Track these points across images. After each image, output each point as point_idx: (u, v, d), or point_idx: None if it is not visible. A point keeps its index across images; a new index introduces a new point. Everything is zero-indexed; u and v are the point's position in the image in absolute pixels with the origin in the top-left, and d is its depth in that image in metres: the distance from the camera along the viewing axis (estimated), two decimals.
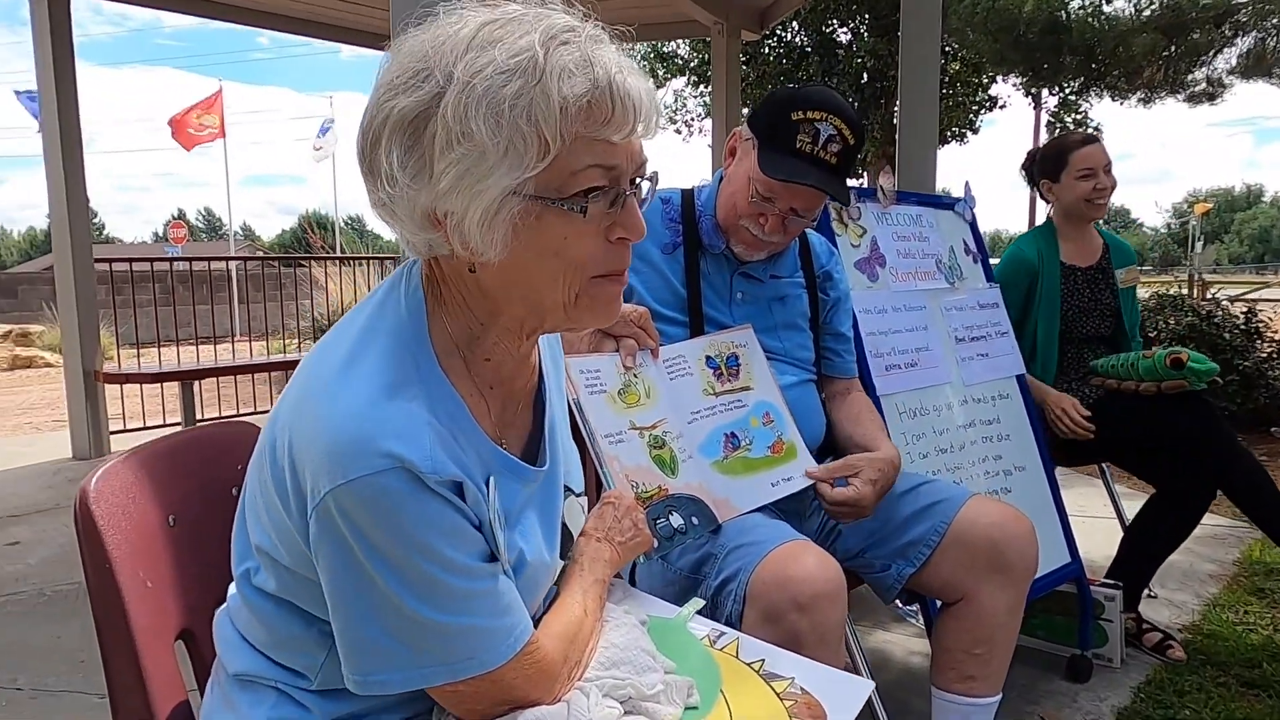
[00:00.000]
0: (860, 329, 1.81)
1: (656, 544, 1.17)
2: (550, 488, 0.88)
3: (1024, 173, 2.60)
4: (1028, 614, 2.18)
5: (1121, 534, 2.62)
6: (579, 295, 0.77)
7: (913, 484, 1.54)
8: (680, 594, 1.31)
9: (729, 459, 1.38)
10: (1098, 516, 3.23)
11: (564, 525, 0.91)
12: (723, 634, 1.02)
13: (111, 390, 5.00)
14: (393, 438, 0.69)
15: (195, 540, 0.96)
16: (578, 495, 0.95)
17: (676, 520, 1.23)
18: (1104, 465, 2.77)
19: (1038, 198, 2.59)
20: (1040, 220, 2.68)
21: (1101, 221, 2.59)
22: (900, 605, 2.31)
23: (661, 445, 1.29)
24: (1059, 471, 2.27)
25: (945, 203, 2.23)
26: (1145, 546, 2.24)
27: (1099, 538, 3.00)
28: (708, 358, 1.45)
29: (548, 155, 0.69)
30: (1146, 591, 2.38)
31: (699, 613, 1.06)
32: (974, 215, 2.26)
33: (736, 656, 0.97)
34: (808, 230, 1.69)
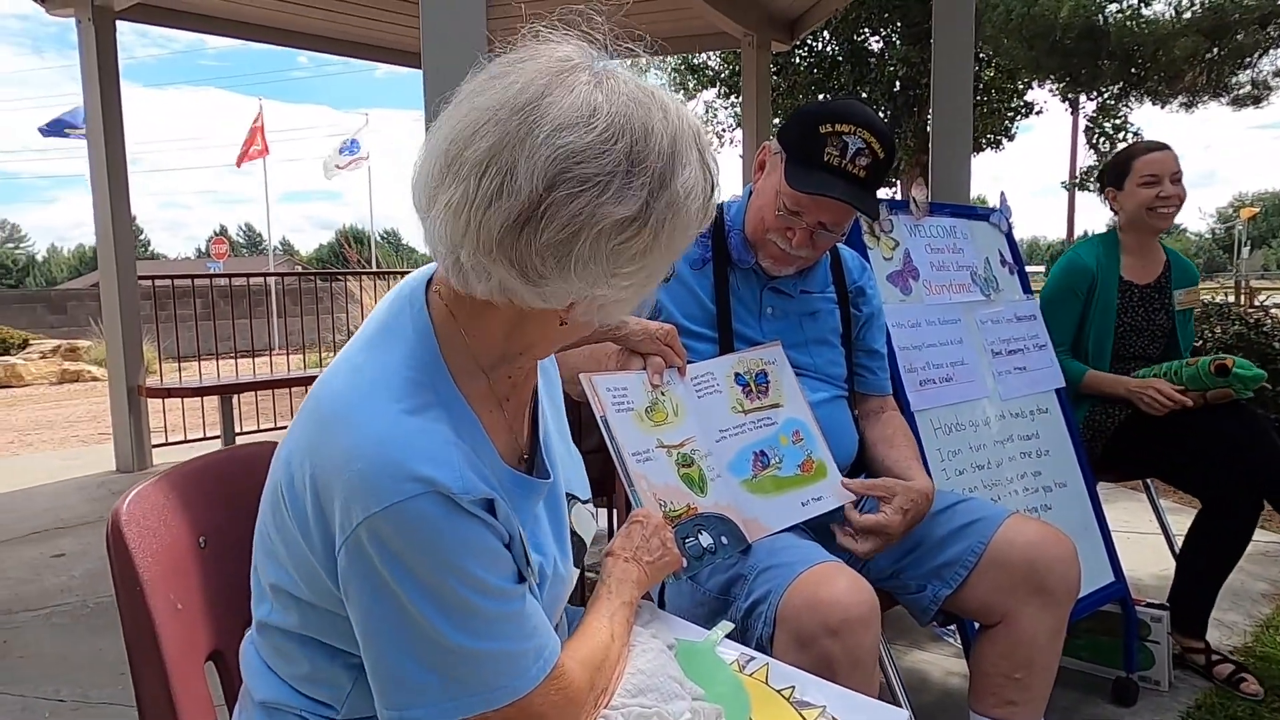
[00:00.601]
0: (893, 343, 1.78)
1: (686, 564, 1.16)
2: (555, 498, 0.88)
3: (1097, 182, 2.52)
4: (1071, 634, 2.12)
5: (1169, 551, 2.55)
6: None
7: (949, 502, 1.51)
8: (710, 615, 1.29)
9: (758, 478, 1.37)
10: (1144, 533, 3.14)
11: (573, 533, 0.91)
12: (752, 659, 1.00)
13: (154, 404, 5.10)
14: (422, 461, 0.69)
15: (226, 561, 0.96)
16: (584, 502, 0.95)
17: (706, 539, 1.22)
18: (1148, 480, 2.69)
19: (1075, 205, 2.53)
20: (1081, 231, 2.61)
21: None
22: (937, 627, 2.26)
23: (690, 463, 1.27)
24: (1101, 486, 2.21)
25: (980, 214, 2.19)
26: (1200, 567, 2.14)
27: (1146, 556, 2.92)
28: (736, 375, 1.44)
29: None
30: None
31: (728, 636, 1.04)
32: (1010, 226, 2.22)
33: (766, 683, 0.95)
34: (839, 245, 1.67)
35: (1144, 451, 2.24)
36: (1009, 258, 2.19)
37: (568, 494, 0.92)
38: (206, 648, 0.92)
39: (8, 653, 2.46)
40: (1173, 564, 2.25)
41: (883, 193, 1.61)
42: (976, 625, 1.51)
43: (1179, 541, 2.23)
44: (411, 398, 0.73)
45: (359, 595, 0.71)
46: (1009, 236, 2.22)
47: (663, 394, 1.31)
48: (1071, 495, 2.05)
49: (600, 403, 1.21)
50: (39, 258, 75.39)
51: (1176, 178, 2.29)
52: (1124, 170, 2.34)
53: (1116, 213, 2.40)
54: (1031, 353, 2.11)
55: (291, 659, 0.81)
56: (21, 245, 75.86)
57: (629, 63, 0.74)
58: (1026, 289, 2.20)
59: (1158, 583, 2.69)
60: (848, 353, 1.63)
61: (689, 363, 1.40)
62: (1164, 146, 2.33)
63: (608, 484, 1.68)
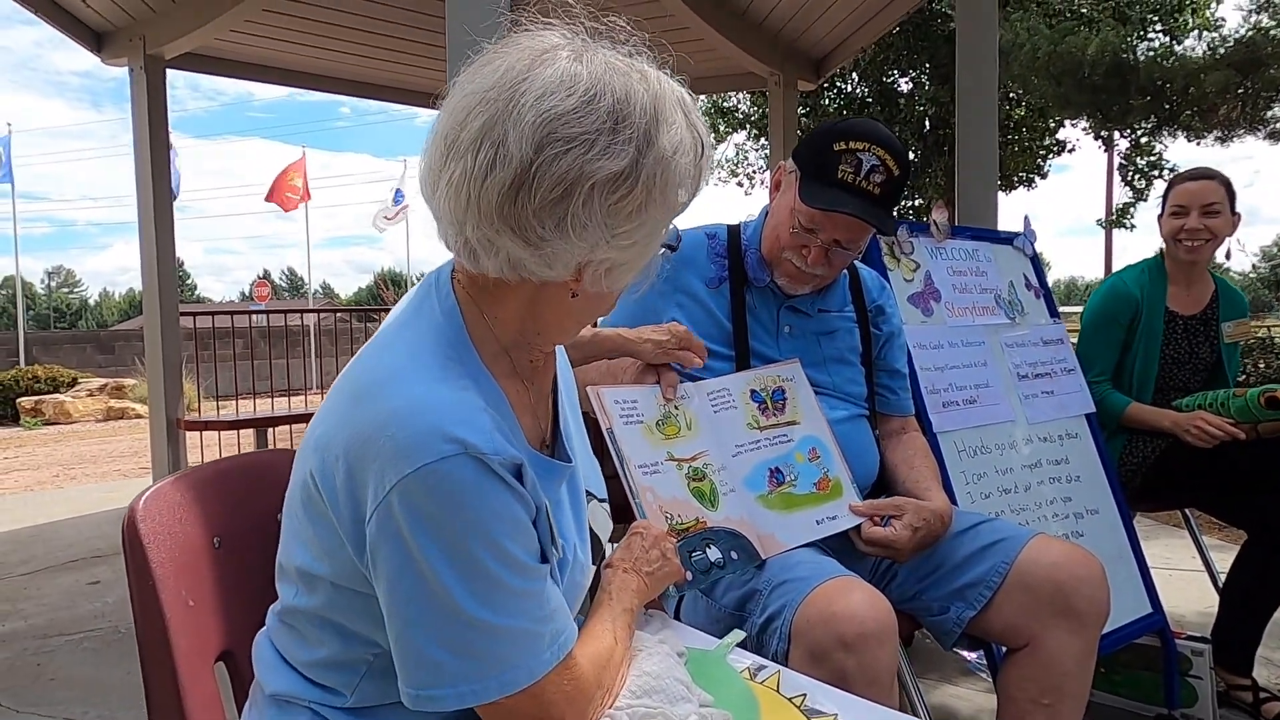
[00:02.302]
0: (914, 364, 1.77)
1: (690, 576, 1.15)
2: (575, 487, 0.90)
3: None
4: (1109, 669, 2.06)
5: (1212, 586, 2.45)
6: None
7: (972, 522, 1.48)
8: (725, 632, 1.26)
9: (773, 494, 1.35)
10: (1185, 569, 3.04)
11: (591, 530, 0.91)
12: (764, 667, 0.98)
13: (193, 438, 5.20)
14: (455, 423, 0.71)
15: (239, 563, 0.98)
16: (601, 501, 0.95)
17: (714, 554, 1.20)
18: (1188, 512, 2.60)
19: (1112, 244, 2.49)
20: (1118, 266, 2.56)
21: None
22: (963, 653, 2.19)
23: (701, 477, 1.27)
24: (1140, 523, 2.14)
25: (1003, 237, 2.18)
26: (1246, 599, 2.05)
27: (1188, 592, 2.82)
28: (752, 391, 1.44)
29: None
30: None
31: (740, 645, 1.02)
32: (1034, 250, 2.20)
33: (778, 690, 0.94)
34: (858, 264, 1.67)
35: (1185, 481, 2.17)
36: (1034, 281, 2.17)
37: (585, 491, 0.93)
38: (217, 647, 0.93)
39: (40, 675, 2.50)
40: (1217, 600, 2.17)
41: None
42: (1002, 649, 1.46)
43: (1224, 579, 2.14)
44: (441, 370, 0.76)
45: (385, 566, 0.72)
46: (1034, 260, 2.20)
47: (676, 408, 1.31)
48: (1104, 522, 2.00)
49: (607, 414, 1.21)
50: (91, 301, 77.98)
51: (1211, 210, 2.20)
52: (1165, 196, 2.30)
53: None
54: (1059, 377, 2.07)
55: (310, 642, 0.82)
56: (75, 290, 78.62)
57: (609, 45, 0.78)
58: (1053, 313, 2.17)
59: (1201, 619, 2.59)
60: (868, 372, 1.62)
61: (703, 379, 1.41)
62: (1209, 175, 2.25)
63: (630, 513, 1.66)
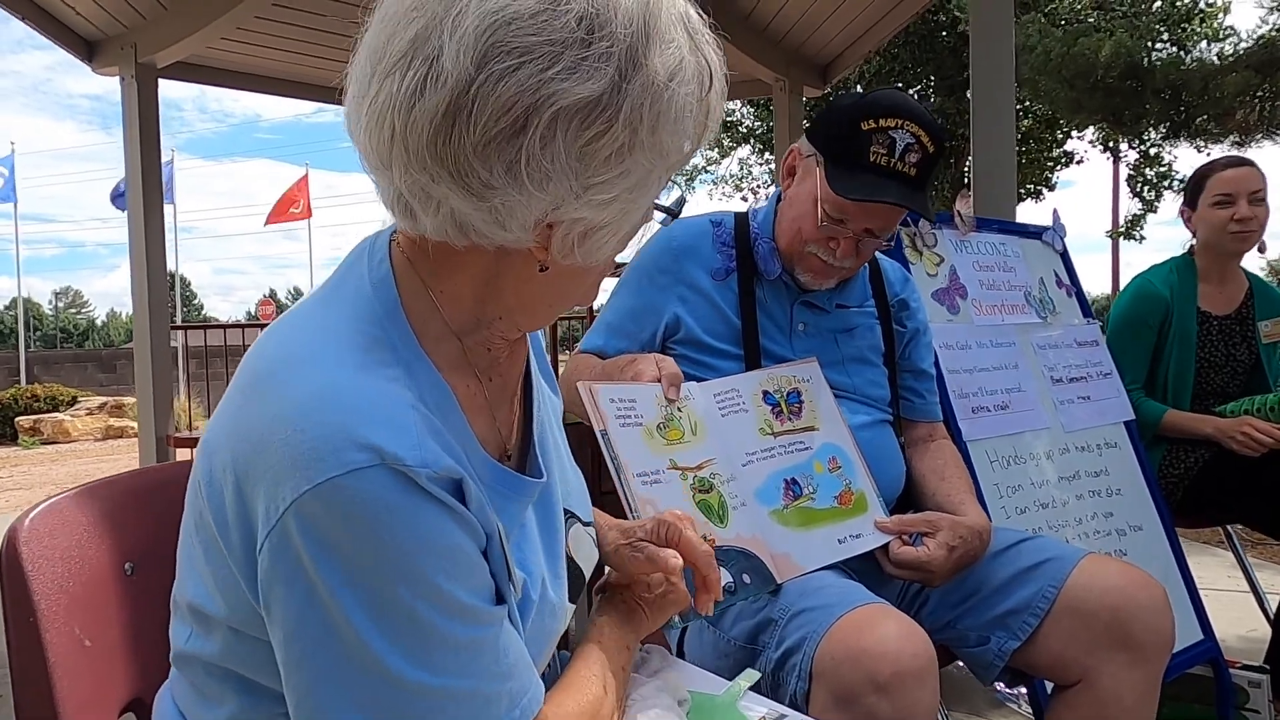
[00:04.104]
0: (941, 366, 1.61)
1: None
2: (548, 508, 0.72)
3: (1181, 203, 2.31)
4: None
5: (1258, 608, 2.28)
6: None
7: (1013, 540, 1.31)
8: (735, 668, 1.10)
9: (789, 509, 1.19)
10: (1225, 590, 2.85)
11: (571, 560, 0.74)
12: (783, 717, 0.82)
13: (185, 455, 5.07)
14: (370, 425, 0.54)
15: (157, 592, 0.82)
16: (585, 525, 0.79)
17: (724, 577, 1.04)
18: (1230, 529, 2.43)
19: (1119, 257, 2.34)
20: (1125, 280, 2.41)
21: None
22: (1003, 688, 2.01)
23: (709, 489, 1.11)
24: None
25: (1031, 231, 2.03)
26: None
27: (1230, 614, 2.63)
28: (765, 393, 1.28)
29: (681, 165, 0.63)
30: None
31: (754, 688, 0.86)
32: (1065, 245, 2.04)
33: None
34: (879, 254, 1.52)
35: (1231, 495, 2.00)
36: (1065, 279, 2.01)
37: (566, 510, 0.76)
38: (123, 695, 0.77)
39: (3, 704, 2.34)
40: (1263, 623, 2.00)
41: None
42: (1050, 686, 1.29)
43: (1270, 601, 1.97)
44: (364, 353, 0.59)
45: (282, 607, 0.56)
46: (1064, 256, 2.04)
47: (679, 410, 1.15)
48: (1149, 540, 1.83)
49: (601, 415, 1.05)
50: (99, 322, 78.33)
51: (1257, 197, 2.07)
52: (1199, 187, 2.14)
53: (1193, 234, 2.20)
54: (1096, 381, 1.91)
55: (211, 700, 0.65)
56: (83, 310, 79.02)
57: None
58: (1087, 312, 2.01)
59: (1247, 645, 2.41)
60: (891, 373, 1.46)
61: (708, 380, 1.25)
62: (1246, 163, 2.12)
63: None
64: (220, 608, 0.61)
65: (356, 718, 0.55)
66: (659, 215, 0.68)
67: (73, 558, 0.75)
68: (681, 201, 0.71)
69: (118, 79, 4.81)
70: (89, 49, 4.77)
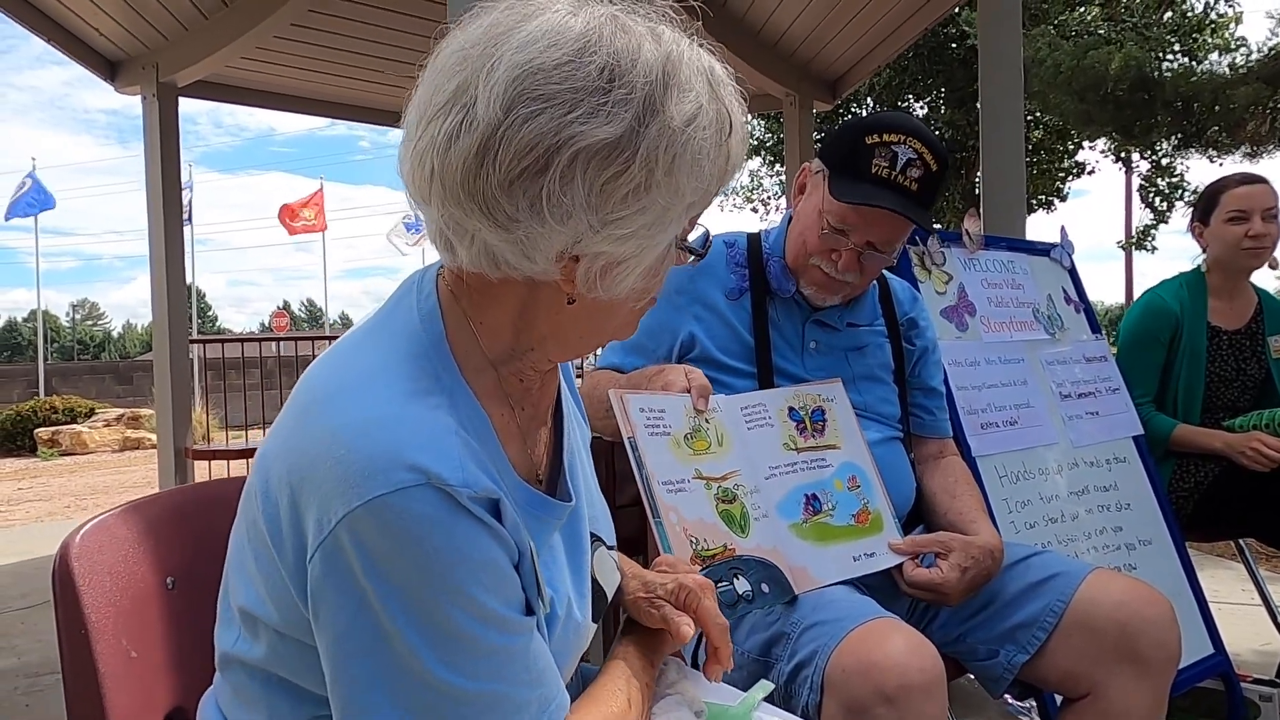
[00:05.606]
0: (950, 383, 1.64)
1: None
2: (575, 531, 0.76)
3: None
4: (1166, 716, 1.89)
5: (1271, 623, 2.28)
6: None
7: (1022, 555, 1.34)
8: (749, 679, 1.13)
9: (807, 523, 1.22)
10: (1238, 604, 2.85)
11: (595, 581, 0.78)
12: None
13: (203, 468, 5.13)
14: (417, 448, 0.59)
15: (197, 606, 0.86)
16: (609, 548, 0.82)
17: (742, 585, 1.07)
18: (1242, 543, 2.43)
19: (1133, 267, 2.35)
20: (1139, 290, 2.42)
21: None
22: (1012, 700, 2.03)
23: (732, 499, 1.14)
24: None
25: (1039, 248, 2.05)
26: None
27: (1243, 629, 2.63)
28: (790, 409, 1.31)
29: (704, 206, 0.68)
30: None
31: (767, 699, 0.89)
32: (1073, 262, 2.07)
33: None
34: (888, 274, 1.55)
35: (1242, 509, 2.01)
36: (1073, 295, 2.04)
37: (591, 534, 0.80)
38: (166, 704, 0.81)
39: (29, 715, 2.38)
40: (1276, 637, 2.00)
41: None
42: (1058, 699, 1.31)
43: None
44: (411, 381, 0.64)
45: (331, 613, 0.60)
46: (1073, 273, 2.07)
47: (707, 421, 1.18)
48: (1159, 554, 1.85)
49: (630, 422, 1.09)
50: (115, 334, 79.04)
51: (1270, 214, 2.08)
52: (1212, 204, 2.15)
53: (1204, 250, 2.21)
54: (1104, 396, 1.93)
55: (251, 705, 0.69)
56: (100, 322, 79.81)
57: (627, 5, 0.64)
58: (1095, 328, 2.04)
59: (1261, 658, 2.41)
60: (901, 390, 1.49)
61: (737, 393, 1.29)
62: (1260, 180, 2.13)
63: (643, 541, 1.54)
64: (270, 612, 0.65)
65: (393, 710, 0.59)
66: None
67: (119, 573, 0.79)
68: (705, 239, 0.75)
69: (139, 97, 4.91)
70: (111, 69, 4.86)
